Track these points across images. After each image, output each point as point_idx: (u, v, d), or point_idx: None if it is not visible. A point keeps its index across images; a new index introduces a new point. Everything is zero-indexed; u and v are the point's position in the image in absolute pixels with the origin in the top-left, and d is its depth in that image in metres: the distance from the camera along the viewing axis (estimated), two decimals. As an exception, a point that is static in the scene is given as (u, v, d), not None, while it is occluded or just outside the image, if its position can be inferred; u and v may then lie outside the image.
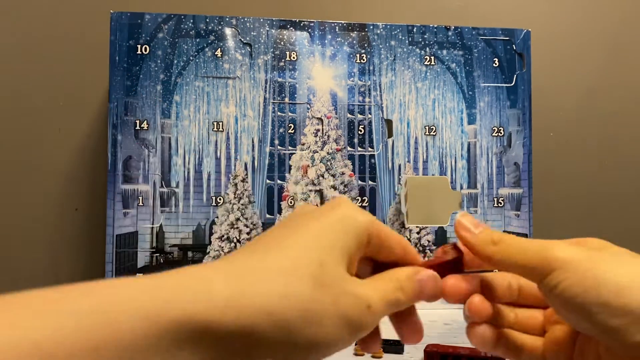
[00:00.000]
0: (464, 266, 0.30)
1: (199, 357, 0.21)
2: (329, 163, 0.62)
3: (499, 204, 0.64)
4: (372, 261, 0.29)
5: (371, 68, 0.63)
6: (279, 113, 0.62)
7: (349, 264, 0.26)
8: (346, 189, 0.62)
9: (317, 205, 0.28)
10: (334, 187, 0.62)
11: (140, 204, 0.59)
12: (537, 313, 0.32)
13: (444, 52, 0.64)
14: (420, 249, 0.63)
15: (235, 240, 0.60)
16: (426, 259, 0.32)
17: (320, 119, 0.63)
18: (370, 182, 0.63)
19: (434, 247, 0.63)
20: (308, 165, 0.62)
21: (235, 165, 0.61)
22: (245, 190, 0.61)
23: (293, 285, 0.23)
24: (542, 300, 0.30)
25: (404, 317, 0.29)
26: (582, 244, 0.29)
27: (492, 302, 0.30)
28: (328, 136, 0.63)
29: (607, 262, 0.25)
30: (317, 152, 0.62)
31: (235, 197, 0.61)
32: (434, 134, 0.64)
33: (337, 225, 0.26)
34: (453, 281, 0.29)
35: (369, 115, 0.63)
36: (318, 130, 0.62)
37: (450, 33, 0.65)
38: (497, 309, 0.31)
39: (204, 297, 0.21)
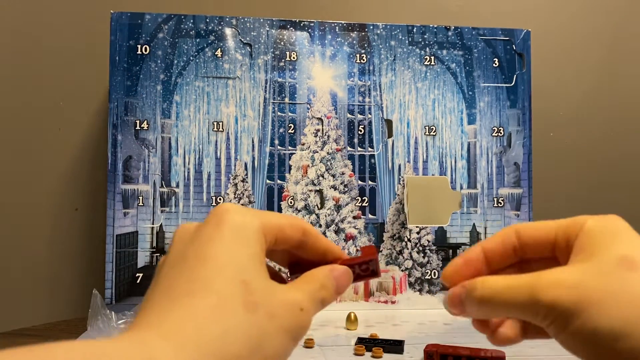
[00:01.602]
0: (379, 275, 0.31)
1: None
2: (329, 163, 0.62)
3: (499, 204, 0.64)
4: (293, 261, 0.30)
5: (371, 68, 0.63)
6: (279, 113, 0.62)
7: (264, 271, 0.25)
8: (346, 189, 0.62)
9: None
10: (334, 187, 0.62)
11: (140, 204, 0.59)
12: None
13: (444, 52, 0.64)
14: (420, 248, 0.63)
15: (235, 240, 0.60)
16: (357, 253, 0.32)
17: (320, 119, 0.63)
18: (370, 182, 0.63)
19: (433, 247, 0.63)
20: (308, 165, 0.62)
21: (235, 165, 0.61)
22: (245, 190, 0.61)
23: (227, 318, 0.23)
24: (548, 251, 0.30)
25: None
26: (573, 232, 0.28)
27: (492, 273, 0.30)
28: (328, 136, 0.63)
29: (600, 303, 0.24)
30: (317, 152, 0.62)
31: (235, 197, 0.61)
32: (434, 134, 0.64)
33: (235, 237, 0.25)
34: (452, 268, 0.29)
35: (369, 115, 0.63)
36: (318, 130, 0.62)
37: (450, 33, 0.65)
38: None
39: None
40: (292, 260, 0.31)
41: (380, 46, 0.63)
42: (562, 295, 0.25)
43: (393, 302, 0.62)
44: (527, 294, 0.26)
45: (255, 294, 0.24)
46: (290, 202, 0.62)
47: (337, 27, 0.63)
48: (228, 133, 0.61)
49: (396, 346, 0.45)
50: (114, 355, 0.20)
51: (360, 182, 0.63)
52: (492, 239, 0.30)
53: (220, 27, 0.61)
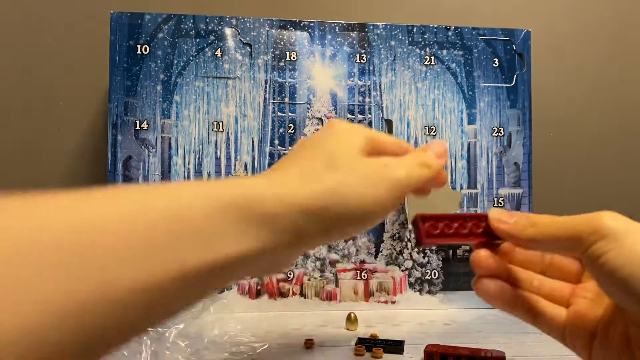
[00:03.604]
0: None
1: (253, 234, 0.25)
2: (329, 163, 0.62)
3: (499, 204, 0.64)
4: None
5: (371, 68, 0.63)
6: (279, 113, 0.62)
7: (357, 152, 0.31)
8: (346, 189, 0.62)
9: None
10: (334, 187, 0.62)
11: (140, 204, 0.59)
12: (565, 286, 0.31)
13: (444, 52, 0.64)
14: (420, 248, 0.63)
15: (235, 240, 0.60)
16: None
17: (320, 119, 0.63)
18: (370, 182, 0.63)
19: (433, 248, 0.63)
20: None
21: (235, 165, 0.61)
22: (245, 190, 0.61)
23: (308, 176, 0.29)
24: (572, 275, 0.31)
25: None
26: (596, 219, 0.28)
27: (513, 264, 0.31)
28: (328, 136, 0.63)
29: None
30: (317, 152, 0.62)
31: (235, 197, 0.61)
32: (434, 134, 0.64)
33: (335, 136, 0.32)
34: (483, 253, 0.30)
35: (369, 116, 0.63)
36: (318, 130, 0.62)
37: (450, 33, 0.65)
38: (517, 271, 0.31)
39: (253, 188, 0.26)
40: None
41: (380, 46, 0.63)
42: (619, 220, 0.26)
43: (393, 302, 0.62)
44: (584, 217, 0.27)
45: (338, 160, 0.30)
46: (290, 202, 0.62)
47: (337, 27, 0.63)
48: (228, 133, 0.61)
49: (396, 346, 0.45)
50: (221, 181, 0.27)
51: (360, 182, 0.63)
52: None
53: (220, 27, 0.61)
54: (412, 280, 0.62)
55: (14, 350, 0.17)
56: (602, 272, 0.25)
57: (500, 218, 0.30)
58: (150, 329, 0.24)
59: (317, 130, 0.63)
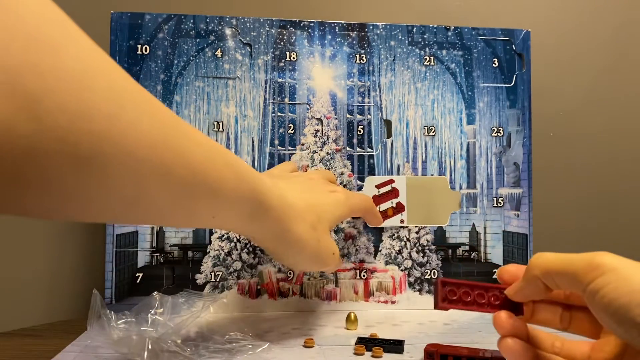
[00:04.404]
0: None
1: (267, 224, 0.40)
2: (328, 163, 0.62)
3: (499, 204, 0.64)
4: None
5: (371, 68, 0.63)
6: (279, 113, 0.62)
7: (330, 227, 0.46)
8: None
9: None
10: (334, 187, 0.62)
11: (140, 204, 0.59)
12: (585, 343, 0.33)
13: (444, 52, 0.64)
14: (420, 248, 0.63)
15: (235, 240, 0.61)
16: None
17: (319, 119, 0.63)
18: (370, 182, 0.63)
19: (433, 247, 0.63)
20: (308, 165, 0.62)
21: (235, 165, 0.61)
22: (245, 190, 0.61)
23: (302, 221, 0.42)
24: (592, 331, 0.33)
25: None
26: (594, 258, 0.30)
27: (535, 323, 0.34)
28: (327, 136, 0.63)
29: None
30: (317, 152, 0.62)
31: (235, 197, 0.61)
32: (433, 134, 0.64)
33: (332, 201, 0.47)
34: (504, 315, 0.33)
35: (368, 116, 0.64)
36: (318, 130, 0.63)
37: (450, 33, 0.65)
38: (539, 333, 0.34)
39: (272, 194, 0.40)
40: None
41: (380, 46, 0.64)
42: (616, 257, 0.27)
43: (393, 302, 0.62)
44: (584, 255, 0.28)
45: (317, 225, 0.44)
46: (290, 202, 0.62)
47: (337, 27, 0.63)
48: (228, 133, 0.61)
49: (396, 346, 0.45)
50: (254, 177, 0.39)
51: (359, 182, 0.63)
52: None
53: (220, 27, 0.61)
54: (412, 280, 0.62)
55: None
56: (601, 306, 0.26)
57: (513, 275, 0.34)
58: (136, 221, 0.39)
59: (316, 131, 0.63)
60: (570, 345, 0.33)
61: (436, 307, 0.34)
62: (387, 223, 0.62)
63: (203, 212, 0.33)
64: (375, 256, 0.62)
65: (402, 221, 0.62)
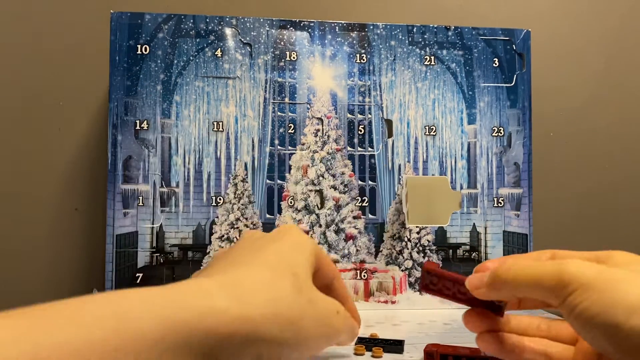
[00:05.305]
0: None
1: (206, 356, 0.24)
2: (329, 163, 0.62)
3: (499, 204, 0.64)
4: None
5: (371, 68, 0.63)
6: (279, 113, 0.62)
7: (310, 276, 0.31)
8: (346, 189, 0.62)
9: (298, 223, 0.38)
10: (334, 187, 0.62)
11: (140, 204, 0.59)
12: (567, 348, 0.32)
13: (444, 52, 0.64)
14: (420, 248, 0.63)
15: (235, 240, 0.60)
16: (427, 258, 0.35)
17: (320, 119, 0.63)
18: (370, 182, 0.63)
19: (433, 247, 0.63)
20: (308, 165, 0.62)
21: (235, 165, 0.61)
22: (245, 190, 0.61)
23: (277, 290, 0.28)
24: (570, 338, 0.32)
25: None
26: (603, 260, 0.29)
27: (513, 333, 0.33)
28: (328, 136, 0.63)
29: (621, 282, 0.25)
30: (317, 152, 0.62)
31: (235, 197, 0.61)
32: (434, 134, 0.64)
33: (294, 247, 0.32)
34: (469, 315, 0.33)
35: (369, 115, 0.63)
36: (318, 130, 0.62)
37: (450, 33, 0.65)
38: (521, 319, 0.33)
39: (209, 307, 0.24)
40: None
41: (380, 46, 0.63)
42: (587, 269, 0.26)
43: (393, 302, 0.62)
44: (553, 266, 0.27)
45: (301, 284, 0.29)
46: (290, 202, 0.62)
47: (337, 27, 0.63)
48: (228, 133, 0.61)
49: (396, 346, 0.45)
50: (169, 293, 0.24)
51: (360, 182, 0.63)
52: (529, 253, 0.34)
53: (220, 27, 0.61)
54: (412, 280, 0.62)
55: None
56: (579, 324, 0.26)
57: (476, 284, 0.32)
58: None
59: (317, 130, 0.63)
60: (557, 325, 0.33)
61: (421, 289, 0.36)
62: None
63: None
64: (376, 257, 0.62)
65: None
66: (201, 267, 0.60)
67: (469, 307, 0.34)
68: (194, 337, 0.23)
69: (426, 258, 0.63)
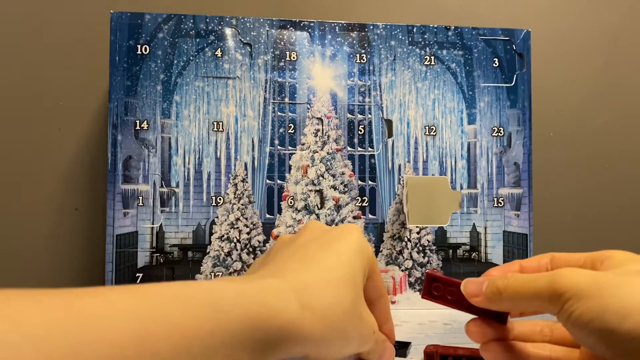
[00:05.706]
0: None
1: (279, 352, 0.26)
2: (329, 163, 0.62)
3: (499, 204, 0.64)
4: None
5: (371, 68, 0.63)
6: (279, 113, 0.62)
7: (362, 286, 0.32)
8: (346, 189, 0.62)
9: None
10: (334, 187, 0.62)
11: (140, 204, 0.59)
12: (573, 351, 0.32)
13: (444, 52, 0.64)
14: (420, 248, 0.63)
15: (235, 240, 0.60)
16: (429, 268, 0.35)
17: (320, 119, 0.63)
18: (370, 182, 0.63)
19: (433, 247, 0.63)
20: (308, 165, 0.62)
21: (235, 165, 0.61)
22: (245, 190, 0.61)
23: (338, 298, 0.29)
24: (573, 341, 0.32)
25: None
26: (602, 260, 0.29)
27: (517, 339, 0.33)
28: (328, 136, 0.63)
29: (614, 287, 0.25)
30: (317, 152, 0.62)
31: (235, 197, 0.61)
32: (434, 134, 0.64)
33: (357, 252, 0.32)
34: (472, 326, 0.33)
35: (369, 115, 0.63)
36: (318, 130, 0.62)
37: (450, 33, 0.65)
38: (524, 324, 0.33)
39: (281, 309, 0.26)
40: None
41: (380, 46, 0.63)
42: (579, 277, 0.27)
43: (393, 302, 0.62)
44: (547, 278, 0.28)
45: (358, 295, 0.30)
46: (290, 202, 0.62)
47: (337, 27, 0.63)
48: (228, 133, 0.61)
49: (400, 349, 0.45)
50: (254, 291, 0.26)
51: (360, 182, 0.63)
52: (529, 258, 0.34)
53: (220, 27, 0.61)
54: (412, 280, 0.62)
55: None
56: (575, 331, 0.26)
57: (473, 292, 0.32)
58: None
59: (317, 130, 0.63)
60: (560, 328, 0.33)
61: (422, 296, 0.35)
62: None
63: None
64: (375, 257, 0.62)
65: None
66: (201, 268, 0.60)
67: (472, 315, 0.34)
68: (259, 331, 0.25)
69: (426, 258, 0.63)
